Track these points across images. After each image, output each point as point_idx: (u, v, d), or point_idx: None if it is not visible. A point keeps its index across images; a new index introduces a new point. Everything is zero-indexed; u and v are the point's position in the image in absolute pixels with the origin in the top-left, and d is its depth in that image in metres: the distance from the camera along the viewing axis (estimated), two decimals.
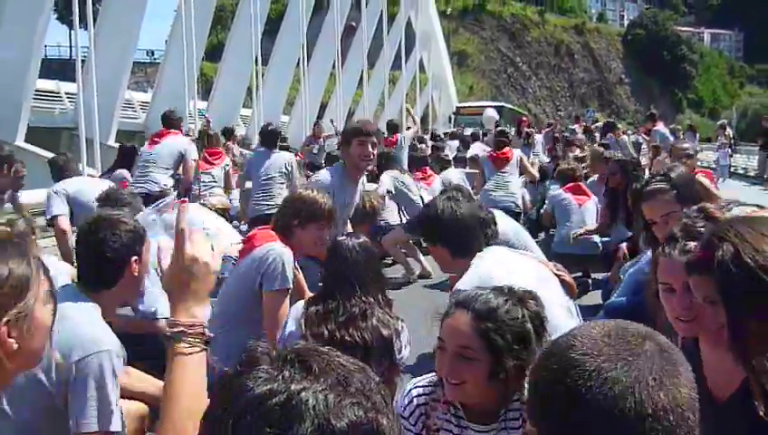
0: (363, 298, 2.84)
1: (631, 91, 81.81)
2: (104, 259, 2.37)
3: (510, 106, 43.48)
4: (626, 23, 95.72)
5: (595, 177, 7.51)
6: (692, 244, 1.94)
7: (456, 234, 2.96)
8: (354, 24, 24.35)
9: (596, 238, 6.46)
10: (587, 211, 6.65)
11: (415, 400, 2.09)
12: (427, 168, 9.05)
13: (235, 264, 3.64)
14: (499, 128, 13.41)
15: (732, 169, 22.72)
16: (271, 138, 7.86)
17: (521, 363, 1.89)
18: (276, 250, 3.28)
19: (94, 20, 10.44)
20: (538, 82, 76.68)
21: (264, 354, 0.89)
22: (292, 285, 3.31)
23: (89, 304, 2.27)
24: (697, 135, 18.45)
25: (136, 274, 2.41)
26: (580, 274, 6.28)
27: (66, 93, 16.90)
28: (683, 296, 1.86)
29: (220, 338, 2.24)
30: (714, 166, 19.81)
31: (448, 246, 2.99)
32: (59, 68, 20.22)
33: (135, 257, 2.41)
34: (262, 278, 3.25)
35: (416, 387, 2.12)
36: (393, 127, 12.23)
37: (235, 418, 0.82)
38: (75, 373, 2.05)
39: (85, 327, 2.16)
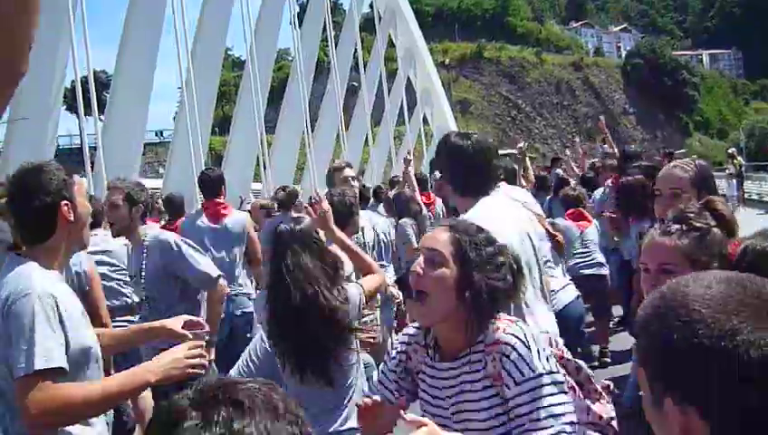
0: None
1: (637, 120, 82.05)
2: (32, 212, 2.27)
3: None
4: (623, 53, 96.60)
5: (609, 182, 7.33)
6: (674, 226, 1.97)
7: (464, 172, 2.93)
8: (356, 84, 24.80)
9: (600, 258, 6.55)
10: (587, 236, 6.70)
11: (399, 345, 2.18)
12: (430, 193, 9.00)
13: None
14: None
15: (746, 196, 22.10)
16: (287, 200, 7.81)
17: (489, 289, 1.93)
18: None
19: (101, 109, 10.63)
20: (543, 122, 77.16)
21: (188, 400, 0.91)
22: None
23: (24, 265, 2.19)
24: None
25: (71, 218, 2.29)
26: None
27: None
28: (656, 278, 1.90)
29: None
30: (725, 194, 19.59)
31: (454, 183, 2.99)
32: (69, 159, 20.39)
33: (65, 202, 2.28)
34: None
35: (404, 334, 2.21)
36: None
37: None
38: (6, 323, 2.05)
39: (14, 281, 2.13)
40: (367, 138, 23.56)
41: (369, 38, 33.21)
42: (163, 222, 7.06)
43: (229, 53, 69.81)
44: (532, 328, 2.04)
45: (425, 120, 32.40)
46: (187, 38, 14.13)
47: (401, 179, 10.20)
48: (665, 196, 2.72)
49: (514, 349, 1.87)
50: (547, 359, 1.88)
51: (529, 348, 1.87)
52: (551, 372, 1.86)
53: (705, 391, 0.86)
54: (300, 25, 23.49)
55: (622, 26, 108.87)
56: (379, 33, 26.31)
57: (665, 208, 2.54)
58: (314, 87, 21.59)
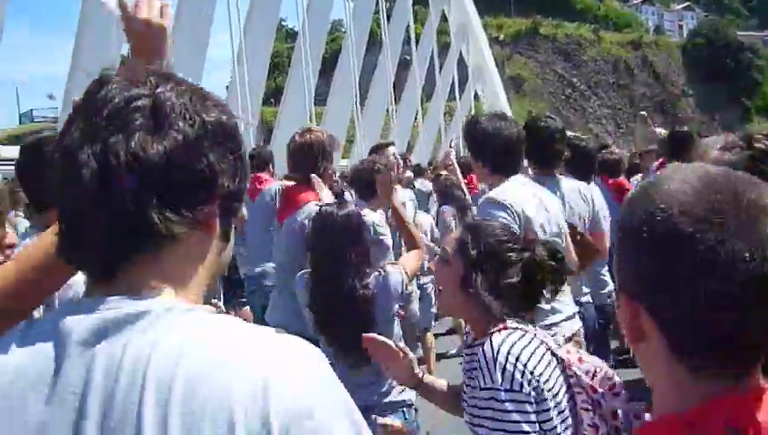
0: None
1: (696, 102, 79.72)
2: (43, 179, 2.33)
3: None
4: (685, 33, 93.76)
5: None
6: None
7: (495, 153, 3.12)
8: (408, 57, 24.63)
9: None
10: None
11: None
12: (472, 176, 8.86)
13: None
14: None
15: None
16: None
17: (494, 288, 1.98)
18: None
19: None
20: (598, 102, 75.56)
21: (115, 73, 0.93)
22: None
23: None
24: None
25: None
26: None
27: None
28: None
29: None
30: None
31: (487, 162, 3.17)
32: None
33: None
34: None
35: None
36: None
37: (104, 119, 0.86)
38: None
39: None
40: (417, 113, 23.47)
41: (423, 11, 32.85)
42: None
43: (283, 23, 70.06)
44: (538, 336, 2.00)
45: (476, 97, 32.03)
46: (238, 9, 14.18)
47: (440, 164, 10.20)
48: None
49: (484, 356, 1.92)
50: (519, 375, 1.87)
51: (495, 360, 1.88)
52: (509, 390, 1.86)
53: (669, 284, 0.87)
54: None
55: (685, 4, 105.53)
56: (433, 8, 26.03)
57: None
58: (366, 60, 21.51)
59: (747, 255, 0.82)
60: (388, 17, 22.63)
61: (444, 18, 28.68)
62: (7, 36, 11.03)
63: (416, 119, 23.97)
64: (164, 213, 0.85)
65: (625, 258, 0.94)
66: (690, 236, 0.84)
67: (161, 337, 0.82)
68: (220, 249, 0.96)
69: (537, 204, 2.98)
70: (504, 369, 1.87)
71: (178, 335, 0.83)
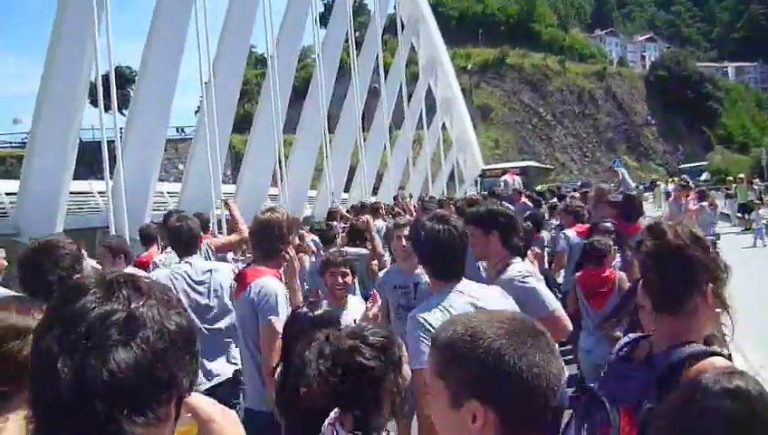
0: None
1: (659, 132, 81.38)
2: (46, 284, 2.44)
3: (536, 164, 43.89)
4: (647, 64, 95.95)
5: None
6: None
7: (434, 259, 3.06)
8: (377, 86, 24.81)
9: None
10: None
11: None
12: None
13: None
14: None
15: None
16: None
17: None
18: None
19: (121, 107, 10.72)
20: (564, 131, 76.75)
21: (92, 280, 1.03)
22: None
23: None
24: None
25: None
26: None
27: (99, 192, 16.65)
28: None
29: None
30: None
31: (428, 267, 3.13)
32: (92, 158, 20.15)
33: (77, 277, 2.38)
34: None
35: None
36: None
37: (82, 336, 0.95)
38: None
39: None
40: (386, 142, 23.63)
41: (393, 40, 33.20)
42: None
43: (252, 49, 70.17)
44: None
45: (444, 127, 32.43)
46: (208, 37, 14.12)
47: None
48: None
49: None
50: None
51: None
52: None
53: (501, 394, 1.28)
54: (324, 25, 23.54)
55: (648, 36, 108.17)
56: (401, 42, 26.35)
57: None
58: (337, 88, 21.59)
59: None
60: (358, 46, 22.81)
61: (413, 48, 29.05)
62: None
63: (385, 148, 24.10)
64: (130, 417, 0.94)
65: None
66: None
67: None
68: (171, 430, 1.06)
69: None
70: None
71: None
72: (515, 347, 1.29)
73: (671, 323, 1.92)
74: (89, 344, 0.94)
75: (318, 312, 2.93)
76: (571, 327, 3.63)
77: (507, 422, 1.28)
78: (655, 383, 1.83)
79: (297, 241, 4.08)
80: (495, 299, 2.98)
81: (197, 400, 1.13)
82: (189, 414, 1.11)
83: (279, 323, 3.43)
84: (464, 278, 2.99)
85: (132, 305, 0.99)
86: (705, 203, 12.69)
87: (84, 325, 0.95)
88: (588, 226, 6.80)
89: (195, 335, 1.08)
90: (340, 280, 4.31)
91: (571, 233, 6.95)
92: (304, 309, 2.97)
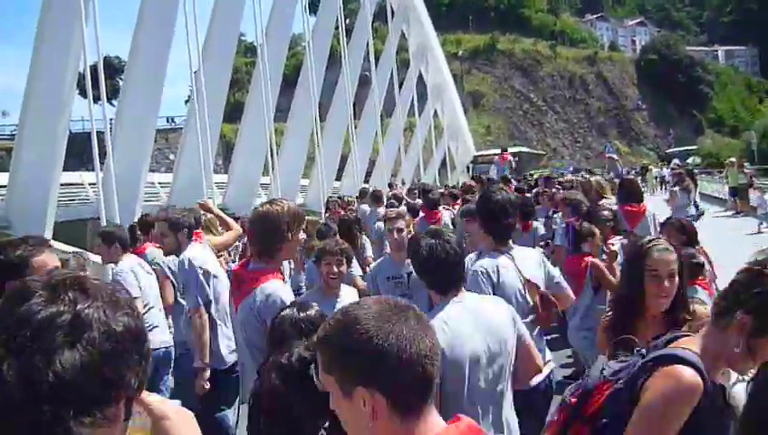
0: None
1: (649, 116, 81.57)
2: None
3: (528, 150, 43.99)
4: (638, 48, 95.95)
5: None
6: None
7: (432, 274, 3.12)
8: (368, 73, 24.74)
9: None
10: None
11: None
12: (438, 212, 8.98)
13: None
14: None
15: None
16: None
17: None
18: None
19: (110, 97, 10.65)
20: (555, 116, 76.85)
21: (40, 282, 1.04)
22: None
23: None
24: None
25: None
26: None
27: (90, 184, 16.60)
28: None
29: None
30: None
31: (427, 282, 3.17)
32: (82, 149, 20.04)
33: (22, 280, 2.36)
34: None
35: None
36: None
37: (28, 338, 0.96)
38: None
39: None
40: (377, 129, 23.58)
41: (383, 28, 33.06)
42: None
43: (242, 38, 69.80)
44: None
45: (435, 114, 32.38)
46: (197, 25, 14.04)
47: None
48: (663, 277, 2.71)
49: None
50: None
51: None
52: None
53: (380, 374, 1.35)
54: (314, 12, 23.41)
55: (638, 20, 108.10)
56: (391, 30, 26.26)
57: (666, 289, 2.68)
58: (328, 76, 21.53)
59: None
60: (348, 33, 22.72)
61: (404, 36, 28.95)
62: None
63: (376, 135, 24.06)
64: (78, 418, 0.95)
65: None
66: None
67: None
68: (122, 429, 1.07)
69: (472, 324, 2.90)
70: None
71: None
72: (382, 327, 1.36)
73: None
74: (34, 347, 0.95)
75: (306, 314, 2.87)
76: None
77: (394, 398, 1.36)
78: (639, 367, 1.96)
79: (304, 237, 3.76)
80: (493, 308, 3.04)
81: (149, 398, 1.14)
82: (142, 412, 1.12)
83: None
84: (463, 289, 3.04)
85: (78, 307, 1.00)
86: (676, 188, 12.91)
87: (29, 328, 0.96)
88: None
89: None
90: (335, 269, 4.29)
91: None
92: (293, 311, 2.89)
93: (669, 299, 2.67)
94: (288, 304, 3.21)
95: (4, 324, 0.98)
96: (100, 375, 0.98)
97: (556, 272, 4.17)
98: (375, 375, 1.35)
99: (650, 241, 2.81)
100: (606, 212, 6.08)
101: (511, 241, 4.02)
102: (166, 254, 5.48)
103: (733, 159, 23.24)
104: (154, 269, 5.64)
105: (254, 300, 3.45)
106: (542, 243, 8.03)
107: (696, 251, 4.55)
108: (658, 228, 5.75)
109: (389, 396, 1.36)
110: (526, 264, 3.90)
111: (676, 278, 2.69)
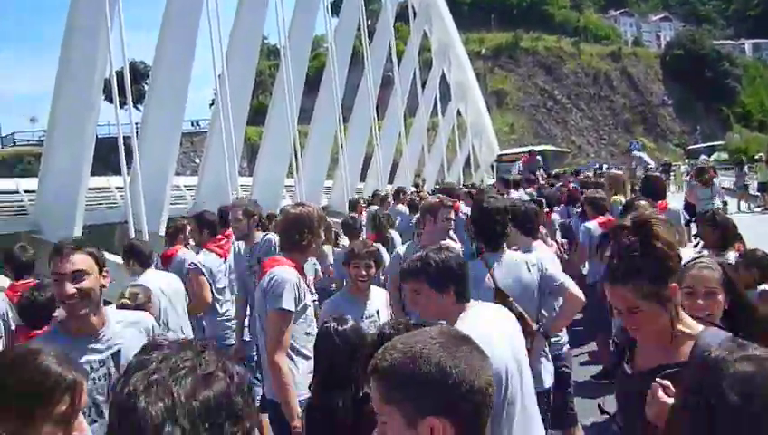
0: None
1: (675, 112, 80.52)
2: None
3: (553, 148, 43.73)
4: (663, 43, 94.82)
5: None
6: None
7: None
8: (391, 74, 24.72)
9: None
10: None
11: None
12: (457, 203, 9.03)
13: None
14: None
15: None
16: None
17: None
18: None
19: (136, 102, 10.76)
20: (579, 114, 76.18)
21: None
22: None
23: None
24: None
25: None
26: None
27: (117, 188, 16.51)
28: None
29: None
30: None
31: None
32: (108, 154, 20.09)
33: None
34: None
35: None
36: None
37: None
38: None
39: None
40: (400, 130, 23.58)
41: (405, 28, 33.02)
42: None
43: (265, 41, 70.11)
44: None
45: (459, 114, 32.29)
46: (220, 29, 14.10)
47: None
48: (698, 294, 2.59)
49: None
50: None
51: None
52: None
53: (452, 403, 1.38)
54: (336, 14, 23.44)
55: (663, 15, 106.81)
56: (414, 30, 26.23)
57: (698, 307, 2.50)
58: (350, 77, 21.54)
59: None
60: (371, 34, 22.71)
61: (426, 36, 28.89)
62: None
63: (400, 135, 24.03)
64: None
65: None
66: None
67: None
68: None
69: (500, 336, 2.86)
70: None
71: None
72: (452, 357, 1.39)
73: None
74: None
75: (343, 327, 3.08)
76: None
77: (464, 427, 1.39)
78: None
79: (323, 236, 4.13)
80: (496, 317, 3.00)
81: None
82: None
83: (278, 315, 3.65)
84: (471, 300, 3.01)
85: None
86: (694, 182, 13.36)
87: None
88: (610, 218, 6.75)
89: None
90: (364, 272, 4.33)
91: (592, 225, 6.81)
92: (333, 325, 3.10)
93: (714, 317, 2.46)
94: (290, 287, 3.65)
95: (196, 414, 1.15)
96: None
97: (558, 274, 4.14)
98: (448, 405, 1.38)
99: (692, 260, 2.71)
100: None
101: (506, 246, 4.09)
102: (237, 239, 5.94)
103: (762, 154, 22.93)
104: (189, 270, 5.85)
105: (264, 281, 3.79)
106: (564, 240, 7.99)
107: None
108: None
109: (460, 425, 1.39)
110: (511, 270, 3.93)
111: (719, 296, 2.56)
